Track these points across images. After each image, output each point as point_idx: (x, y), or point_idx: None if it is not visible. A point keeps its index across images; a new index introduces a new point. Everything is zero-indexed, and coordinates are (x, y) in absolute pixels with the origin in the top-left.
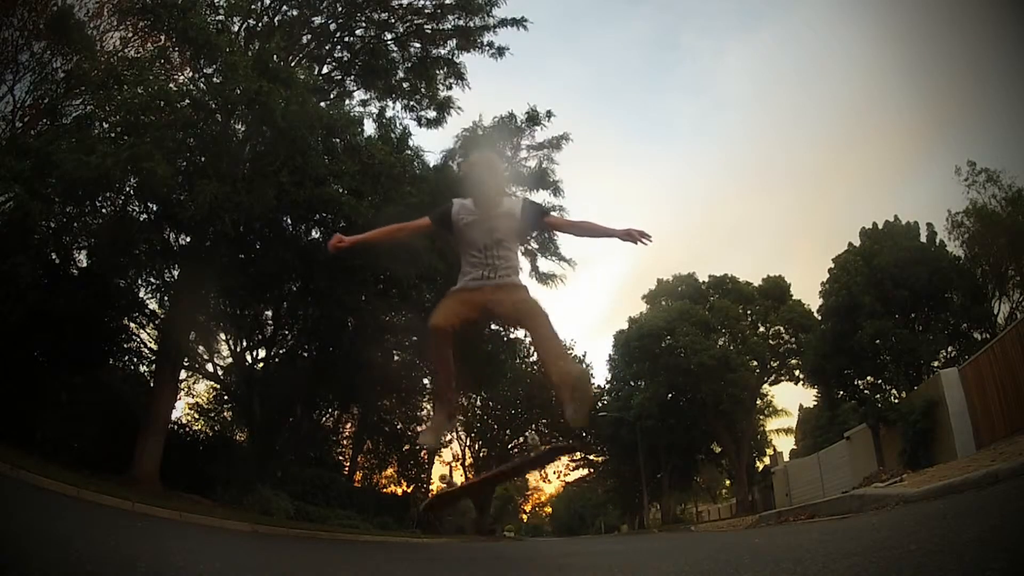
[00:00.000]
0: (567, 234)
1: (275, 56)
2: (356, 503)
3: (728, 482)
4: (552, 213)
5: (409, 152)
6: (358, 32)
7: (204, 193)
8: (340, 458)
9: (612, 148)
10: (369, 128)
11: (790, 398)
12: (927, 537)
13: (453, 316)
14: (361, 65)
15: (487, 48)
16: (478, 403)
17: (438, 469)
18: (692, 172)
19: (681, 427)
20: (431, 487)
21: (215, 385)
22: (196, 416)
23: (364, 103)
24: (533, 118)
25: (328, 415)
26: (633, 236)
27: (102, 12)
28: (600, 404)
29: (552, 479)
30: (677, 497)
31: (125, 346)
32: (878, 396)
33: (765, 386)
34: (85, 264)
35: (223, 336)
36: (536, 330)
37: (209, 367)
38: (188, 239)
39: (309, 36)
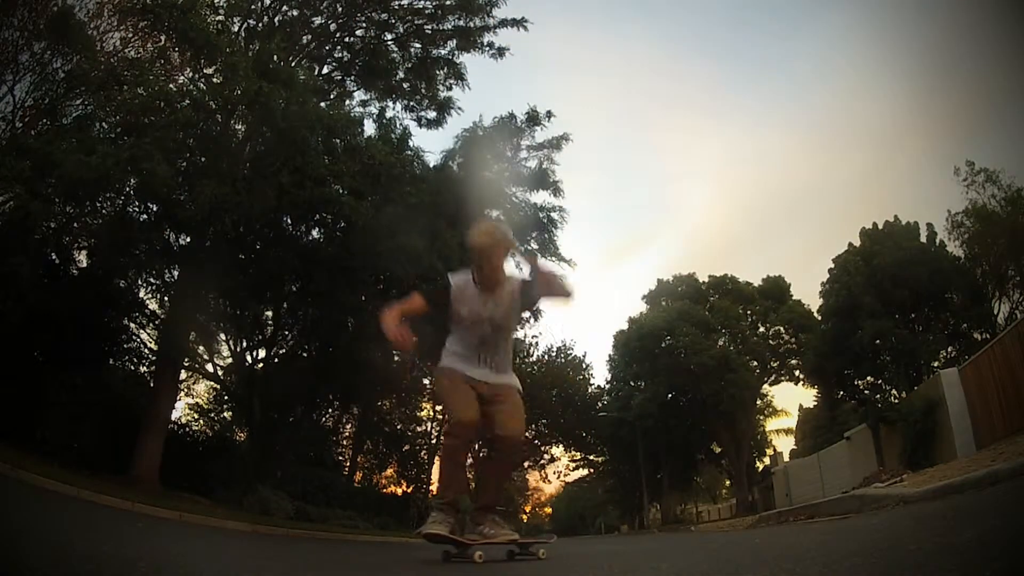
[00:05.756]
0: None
1: (275, 56)
2: (356, 503)
3: (728, 482)
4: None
5: (409, 152)
6: (358, 32)
7: (204, 193)
8: (340, 458)
9: (613, 144)
10: (369, 128)
11: (790, 398)
12: (927, 537)
13: (475, 408)
14: (361, 65)
15: (487, 48)
16: None
17: (439, 470)
18: (691, 171)
19: (681, 427)
20: (431, 487)
21: (215, 385)
22: (196, 416)
23: (364, 103)
24: (533, 118)
25: (328, 415)
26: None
27: (102, 12)
28: (600, 404)
29: (552, 479)
30: (677, 497)
31: (125, 346)
32: (878, 396)
33: (765, 386)
34: (85, 264)
35: (223, 336)
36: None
37: (209, 367)
38: (188, 239)
39: (309, 36)
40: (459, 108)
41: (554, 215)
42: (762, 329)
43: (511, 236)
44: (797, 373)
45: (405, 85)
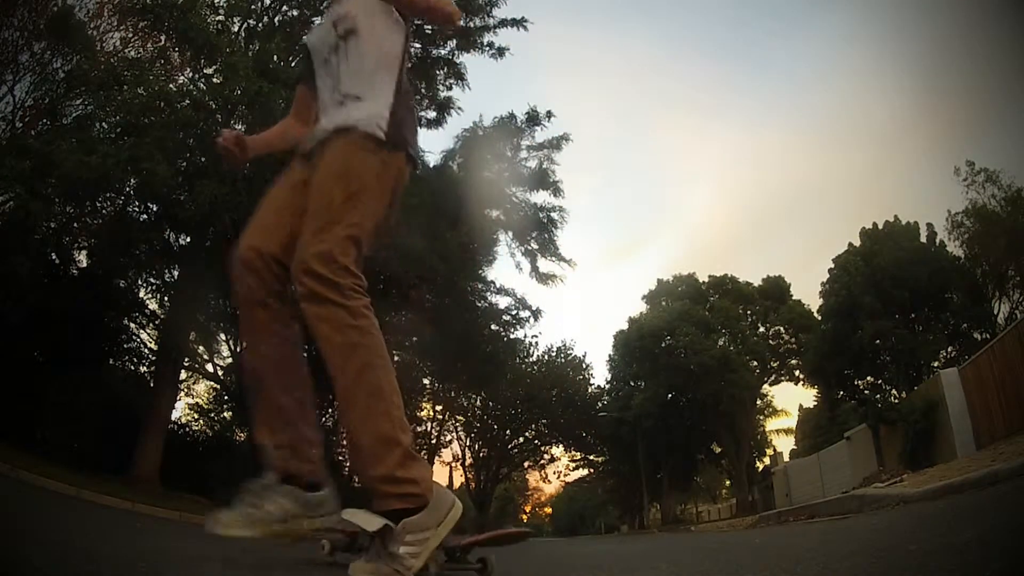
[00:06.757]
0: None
1: (275, 56)
2: (356, 503)
3: (728, 482)
4: None
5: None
6: None
7: (204, 193)
8: (340, 458)
9: (611, 145)
10: None
11: (790, 398)
12: (927, 537)
13: (269, 223)
14: None
15: (487, 48)
16: (478, 403)
17: (439, 471)
18: (691, 171)
19: (681, 427)
20: None
21: (215, 385)
22: (196, 416)
23: None
24: (533, 118)
25: (328, 415)
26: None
27: (102, 12)
28: (600, 404)
29: (552, 479)
30: (677, 497)
31: (125, 346)
32: (878, 396)
33: (765, 386)
34: (85, 264)
35: (223, 336)
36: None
37: (209, 367)
38: (188, 239)
39: None
40: (459, 108)
41: (554, 215)
42: (762, 329)
43: None
44: (797, 373)
45: None
